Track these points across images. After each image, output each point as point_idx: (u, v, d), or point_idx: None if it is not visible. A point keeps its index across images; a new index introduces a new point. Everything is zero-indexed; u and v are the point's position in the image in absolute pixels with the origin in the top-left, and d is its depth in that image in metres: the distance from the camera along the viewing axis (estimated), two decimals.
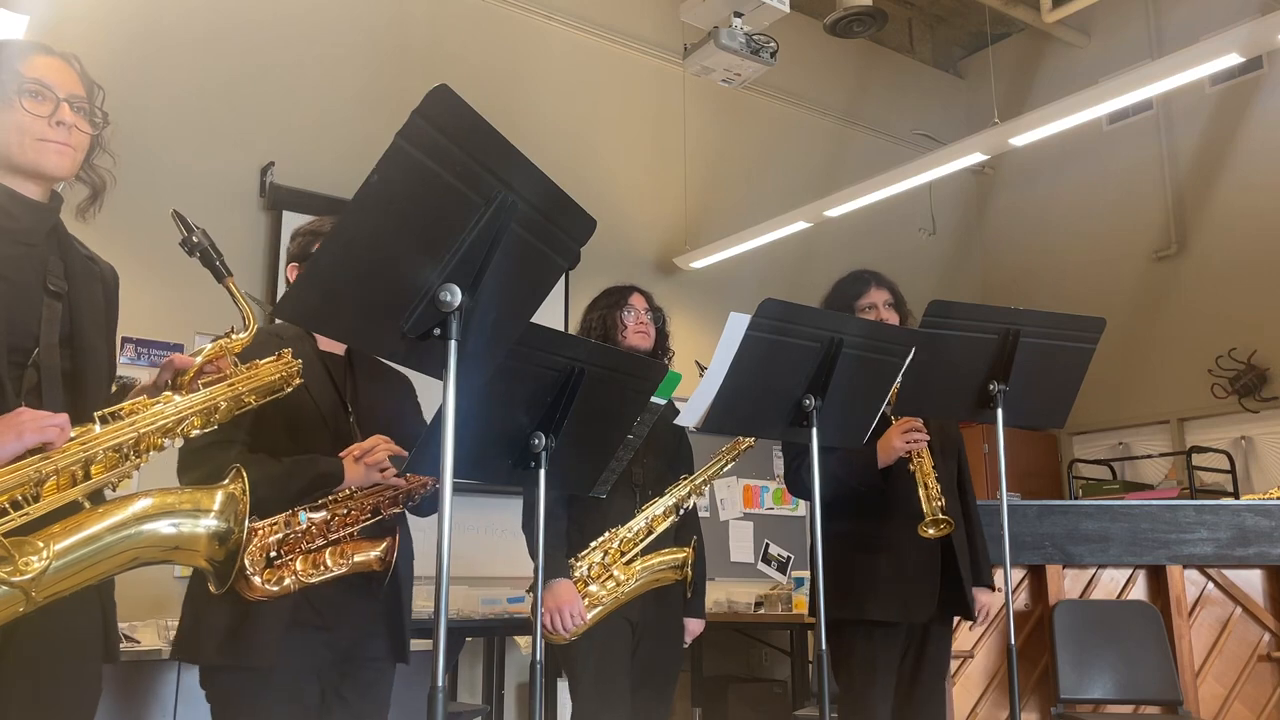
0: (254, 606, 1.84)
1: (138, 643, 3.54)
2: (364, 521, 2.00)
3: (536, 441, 1.90)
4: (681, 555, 2.65)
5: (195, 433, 1.57)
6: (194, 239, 1.56)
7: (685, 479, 2.71)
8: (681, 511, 2.68)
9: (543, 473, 1.91)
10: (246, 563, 1.78)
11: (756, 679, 5.78)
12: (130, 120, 4.56)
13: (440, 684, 1.40)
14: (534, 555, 2.48)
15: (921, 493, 2.50)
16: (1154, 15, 7.07)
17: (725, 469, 2.79)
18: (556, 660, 2.57)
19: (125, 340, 4.48)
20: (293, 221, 4.95)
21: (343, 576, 1.94)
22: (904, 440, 2.53)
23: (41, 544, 1.32)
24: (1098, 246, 7.26)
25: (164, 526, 1.46)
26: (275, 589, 1.84)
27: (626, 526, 2.58)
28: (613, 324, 2.72)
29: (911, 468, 2.54)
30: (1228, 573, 3.60)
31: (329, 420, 2.05)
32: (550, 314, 5.21)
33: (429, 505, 2.11)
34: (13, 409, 1.41)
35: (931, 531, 2.45)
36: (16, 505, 1.34)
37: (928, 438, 2.56)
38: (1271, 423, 6.37)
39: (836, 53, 7.24)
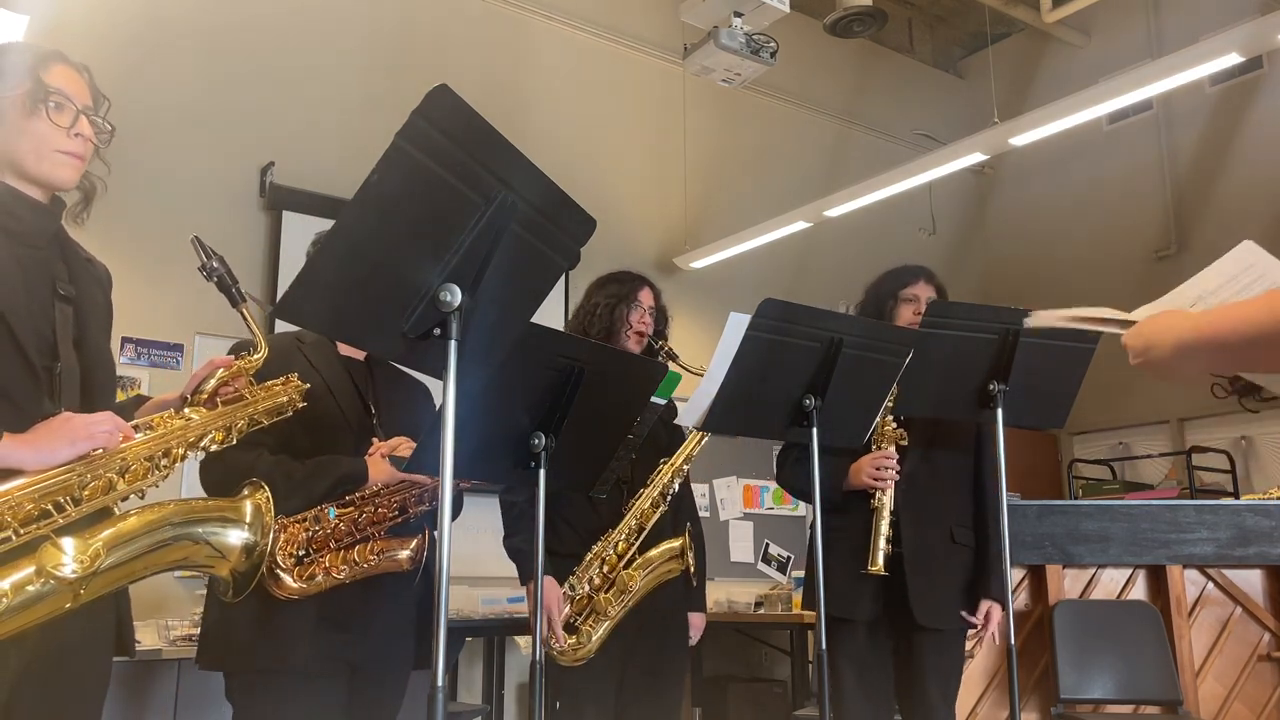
0: (280, 609, 1.86)
1: (139, 643, 3.54)
2: (392, 520, 2.01)
3: (536, 441, 1.90)
4: (678, 544, 2.60)
5: (215, 447, 1.64)
6: (212, 263, 1.63)
7: (664, 463, 2.63)
8: (668, 498, 2.62)
9: (543, 473, 1.91)
10: (279, 559, 1.83)
11: (756, 679, 5.77)
12: (131, 120, 4.56)
13: (440, 684, 1.40)
14: (517, 563, 2.47)
15: (878, 529, 2.47)
16: (1154, 15, 7.07)
17: (699, 446, 2.66)
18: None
19: (125, 340, 4.48)
20: (293, 221, 4.94)
21: (372, 575, 1.96)
22: (872, 476, 2.51)
23: (93, 543, 1.35)
24: (1098, 246, 7.25)
25: (204, 533, 1.52)
26: (307, 586, 1.86)
27: (617, 530, 2.52)
28: (620, 319, 2.65)
29: (874, 504, 2.50)
30: (1228, 573, 3.59)
31: (353, 423, 2.07)
32: (550, 314, 5.19)
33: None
34: (48, 413, 1.44)
35: (872, 570, 2.44)
36: (59, 507, 1.38)
37: (896, 476, 2.52)
38: (1271, 423, 6.37)
39: (836, 53, 7.23)
